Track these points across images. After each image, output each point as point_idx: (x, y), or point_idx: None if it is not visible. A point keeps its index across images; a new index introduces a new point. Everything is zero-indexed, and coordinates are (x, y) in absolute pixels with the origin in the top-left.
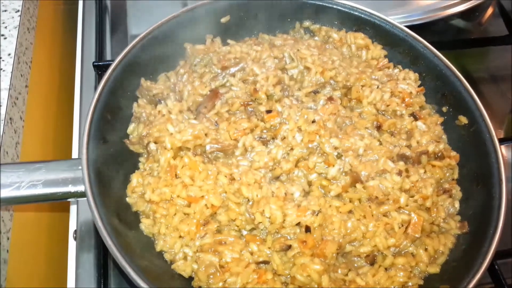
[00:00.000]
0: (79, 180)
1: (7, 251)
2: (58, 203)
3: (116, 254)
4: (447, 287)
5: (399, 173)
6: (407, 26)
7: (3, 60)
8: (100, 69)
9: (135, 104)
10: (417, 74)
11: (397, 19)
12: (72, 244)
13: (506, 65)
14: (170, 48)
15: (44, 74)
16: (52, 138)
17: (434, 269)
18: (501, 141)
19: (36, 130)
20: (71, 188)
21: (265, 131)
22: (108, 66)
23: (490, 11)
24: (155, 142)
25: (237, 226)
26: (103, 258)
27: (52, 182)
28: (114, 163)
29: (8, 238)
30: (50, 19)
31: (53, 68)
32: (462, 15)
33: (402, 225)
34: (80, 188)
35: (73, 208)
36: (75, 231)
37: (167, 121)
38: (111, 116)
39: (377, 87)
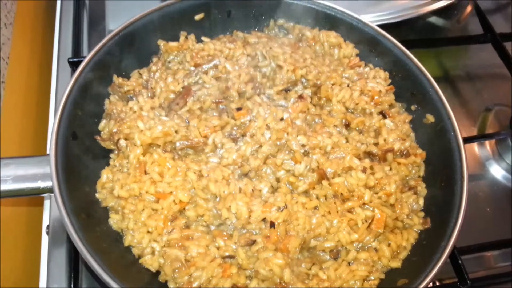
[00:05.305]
0: (48, 176)
1: None
2: (33, 198)
3: (81, 247)
4: (405, 281)
5: (364, 170)
6: (382, 25)
7: None
8: (75, 65)
9: (106, 101)
10: (387, 73)
11: (372, 18)
12: (45, 239)
13: (482, 63)
14: (143, 45)
15: (23, 70)
16: (31, 135)
17: (396, 264)
18: (468, 139)
19: (14, 126)
20: (41, 184)
21: (235, 128)
22: None
23: (468, 9)
24: (125, 139)
25: (205, 222)
26: (75, 253)
27: (21, 178)
28: (84, 159)
29: None
30: (30, 14)
31: (32, 64)
32: (440, 13)
33: (366, 221)
34: (49, 184)
35: (46, 203)
36: (48, 226)
37: (137, 117)
38: (82, 113)
39: (347, 86)
